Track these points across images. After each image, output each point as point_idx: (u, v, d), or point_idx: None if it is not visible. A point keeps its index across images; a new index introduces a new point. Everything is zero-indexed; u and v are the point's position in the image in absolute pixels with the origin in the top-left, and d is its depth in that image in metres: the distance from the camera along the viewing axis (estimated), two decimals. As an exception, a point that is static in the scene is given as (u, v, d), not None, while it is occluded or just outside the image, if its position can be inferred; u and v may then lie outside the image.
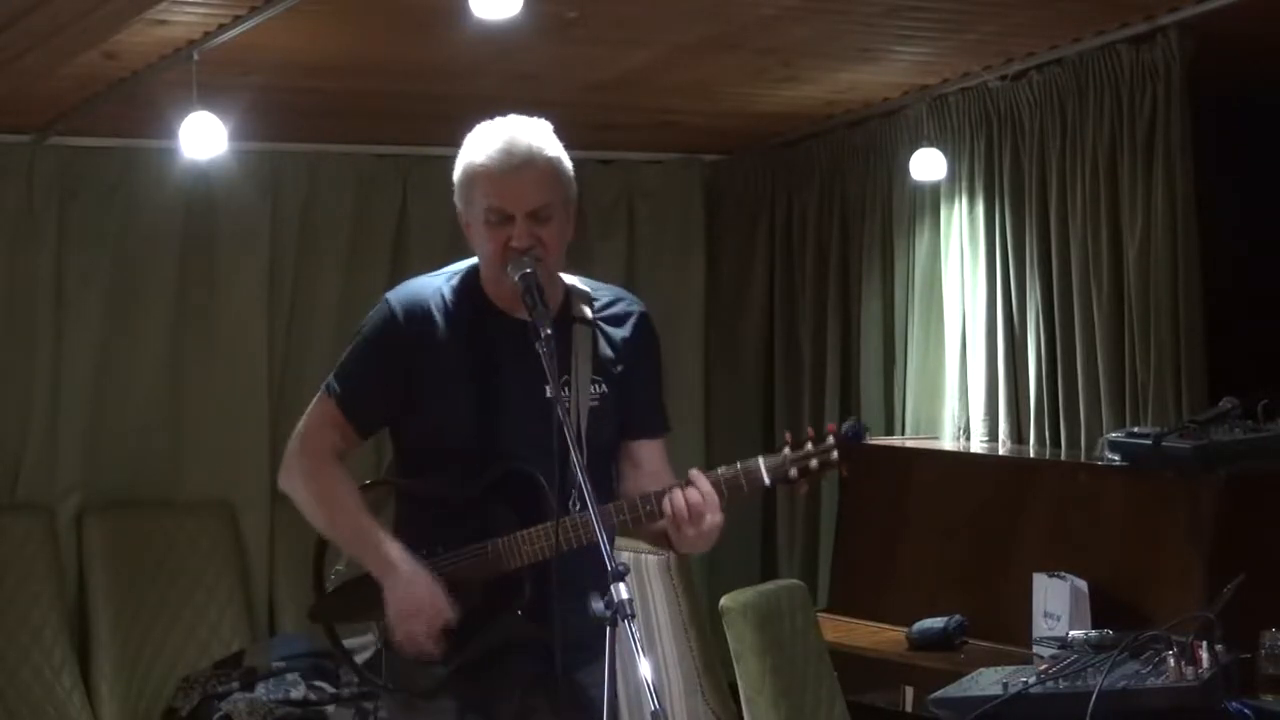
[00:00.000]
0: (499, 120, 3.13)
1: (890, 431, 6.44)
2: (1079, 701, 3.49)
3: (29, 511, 6.14)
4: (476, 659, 3.09)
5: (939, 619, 5.17)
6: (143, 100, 5.49)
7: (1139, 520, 4.95)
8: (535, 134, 3.10)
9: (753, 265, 7.15)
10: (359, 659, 3.25)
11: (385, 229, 6.66)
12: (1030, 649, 4.82)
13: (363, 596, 3.15)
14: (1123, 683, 3.54)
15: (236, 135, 5.51)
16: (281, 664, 5.92)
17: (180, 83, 5.11)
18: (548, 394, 3.04)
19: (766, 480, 3.02)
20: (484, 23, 4.49)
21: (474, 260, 3.19)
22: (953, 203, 6.11)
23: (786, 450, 3.03)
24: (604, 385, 3.14)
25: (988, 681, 3.77)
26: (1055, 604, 4.83)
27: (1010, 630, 5.00)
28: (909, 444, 6.16)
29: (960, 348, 6.08)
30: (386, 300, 3.17)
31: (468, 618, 3.07)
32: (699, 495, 3.00)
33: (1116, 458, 4.96)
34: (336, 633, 3.27)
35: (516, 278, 3.02)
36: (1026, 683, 3.64)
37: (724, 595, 4.44)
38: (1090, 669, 3.64)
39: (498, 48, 5.08)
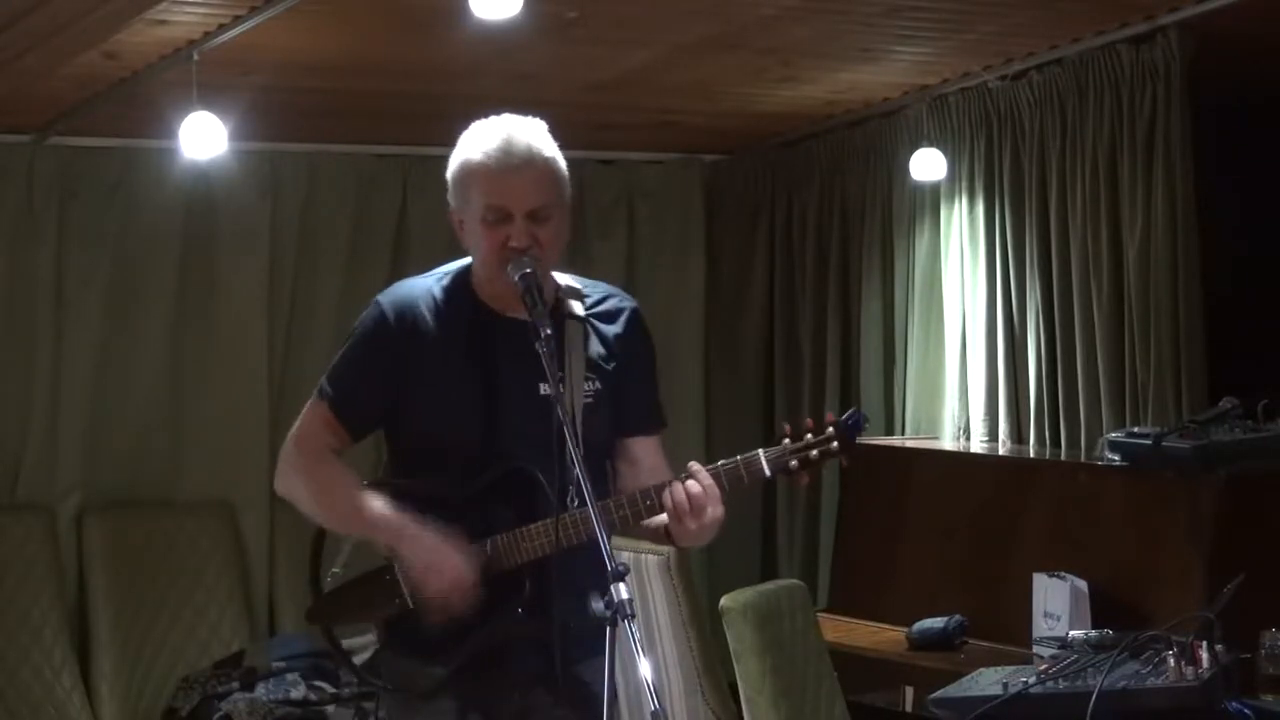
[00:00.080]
0: (495, 119, 3.12)
1: (890, 431, 6.44)
2: (1079, 701, 3.49)
3: (29, 511, 6.14)
4: (476, 658, 3.08)
5: (939, 619, 5.17)
6: (143, 100, 5.49)
7: (1139, 520, 4.95)
8: (533, 133, 3.09)
9: (753, 265, 7.15)
10: (358, 660, 3.24)
11: (385, 229, 6.66)
12: (1030, 649, 4.82)
13: (360, 598, 3.15)
14: (1123, 683, 3.54)
15: (236, 135, 5.51)
16: (281, 664, 5.92)
17: (180, 83, 5.11)
18: (542, 392, 3.04)
19: (767, 471, 3.01)
20: (484, 23, 4.49)
21: (464, 261, 3.18)
22: (953, 203, 6.11)
23: (786, 441, 3.02)
24: (597, 382, 3.14)
25: (988, 681, 3.77)
26: (1055, 604, 4.83)
27: (1010, 630, 5.00)
28: (909, 444, 6.16)
29: (960, 348, 6.08)
30: (377, 302, 3.17)
31: (468, 616, 3.07)
32: (699, 488, 2.99)
33: (1116, 458, 4.96)
34: (334, 634, 3.27)
35: (516, 277, 3.02)
36: (1026, 683, 3.64)
37: (724, 595, 4.44)
38: (1090, 669, 3.64)
39: (498, 48, 5.08)
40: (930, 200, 6.26)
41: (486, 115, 3.15)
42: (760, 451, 3.02)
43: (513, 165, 3.05)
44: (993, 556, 5.30)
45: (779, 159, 7.05)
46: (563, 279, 3.18)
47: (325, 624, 3.26)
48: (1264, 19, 5.09)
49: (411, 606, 3.09)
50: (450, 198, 3.14)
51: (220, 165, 5.94)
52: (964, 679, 3.90)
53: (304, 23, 4.79)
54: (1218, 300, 5.46)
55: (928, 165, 5.99)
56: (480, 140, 3.08)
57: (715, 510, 3.00)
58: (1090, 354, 5.52)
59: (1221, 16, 5.01)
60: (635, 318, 3.24)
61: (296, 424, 3.19)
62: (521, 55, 5.25)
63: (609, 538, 2.88)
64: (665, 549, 4.58)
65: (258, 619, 6.41)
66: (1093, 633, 4.32)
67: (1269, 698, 4.06)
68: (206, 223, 6.42)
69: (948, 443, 6.09)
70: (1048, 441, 5.72)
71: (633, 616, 2.73)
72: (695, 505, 2.99)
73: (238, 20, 4.71)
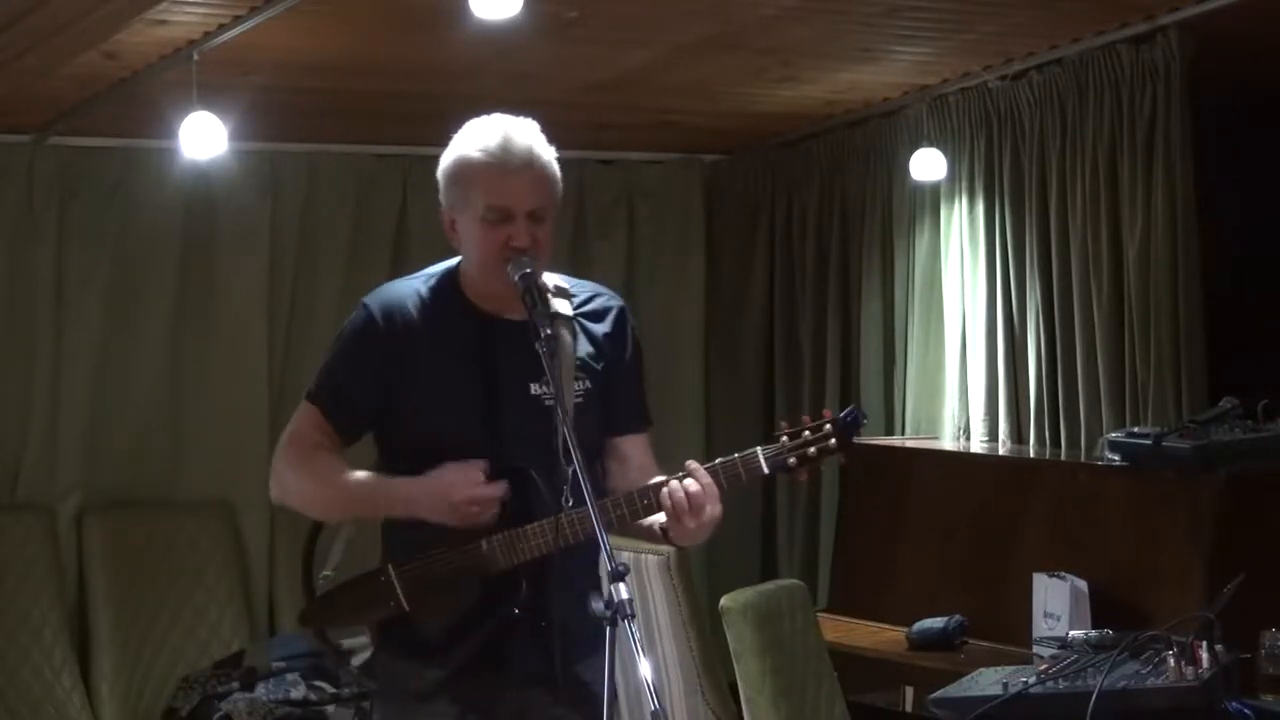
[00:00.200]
0: (489, 118, 3.11)
1: (890, 431, 6.44)
2: (1079, 701, 3.49)
3: (29, 511, 6.14)
4: (473, 659, 3.07)
5: (939, 619, 5.17)
6: (143, 100, 5.50)
7: (1139, 520, 4.95)
8: (531, 134, 3.10)
9: (753, 265, 7.15)
10: (357, 660, 3.24)
11: (385, 229, 6.66)
12: (1030, 649, 4.82)
13: (353, 600, 3.14)
14: (1123, 683, 3.54)
15: (236, 135, 5.51)
16: (281, 664, 5.92)
17: (180, 83, 5.11)
18: (533, 393, 3.05)
19: (765, 469, 3.00)
20: (484, 23, 4.49)
21: (450, 262, 3.18)
22: (953, 203, 6.11)
23: (784, 439, 3.02)
24: (587, 382, 3.13)
25: (988, 681, 3.78)
26: (1055, 604, 4.83)
27: (1010, 630, 5.00)
28: (909, 444, 6.16)
29: (960, 348, 6.08)
30: (364, 304, 3.16)
31: (464, 617, 3.06)
32: (698, 486, 2.99)
33: (1116, 458, 4.96)
34: (329, 637, 3.27)
35: (517, 277, 3.02)
36: (1026, 683, 3.64)
37: (724, 595, 4.44)
38: (1090, 669, 3.64)
39: (498, 48, 5.08)
40: (930, 200, 6.26)
41: (494, 114, 3.15)
42: (758, 449, 3.01)
43: (515, 165, 3.05)
44: (993, 556, 5.30)
45: (779, 159, 7.05)
46: (550, 278, 3.17)
47: (318, 627, 3.26)
48: (1264, 19, 5.09)
49: (406, 609, 3.09)
50: (443, 196, 3.13)
51: (220, 165, 5.94)
52: (964, 679, 3.90)
53: (304, 23, 4.79)
54: (1218, 300, 5.46)
55: (928, 165, 5.99)
56: (478, 139, 3.08)
57: (714, 509, 2.99)
58: (1090, 354, 5.52)
59: (1221, 16, 5.01)
60: (622, 316, 3.24)
61: (287, 429, 3.18)
62: (521, 55, 5.25)
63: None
64: (665, 549, 4.58)
65: (258, 619, 6.41)
66: (1093, 633, 4.32)
67: (1269, 698, 4.06)
68: (206, 223, 6.42)
69: (948, 443, 6.09)
70: (1048, 441, 5.72)
71: (633, 616, 2.73)
72: (694, 504, 2.98)
73: (238, 20, 4.71)
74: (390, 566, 3.10)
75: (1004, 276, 5.90)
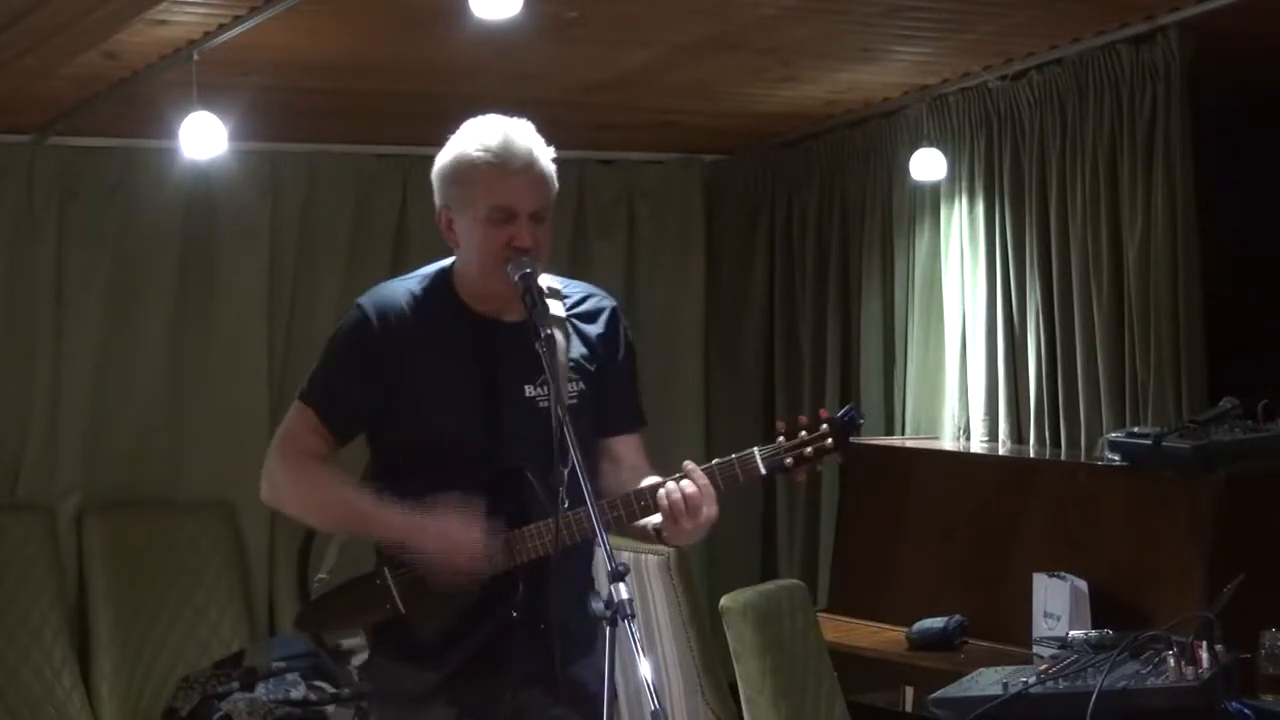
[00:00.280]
0: (487, 118, 3.11)
1: (890, 431, 6.44)
2: (1079, 701, 3.49)
3: (29, 511, 6.14)
4: (470, 662, 3.06)
5: (939, 619, 5.17)
6: (143, 100, 5.50)
7: (1139, 520, 4.95)
8: (531, 135, 3.10)
9: (753, 265, 7.15)
10: (356, 661, 3.24)
11: (385, 229, 6.66)
12: (1030, 649, 4.82)
13: (348, 604, 3.13)
14: (1123, 683, 3.54)
15: (236, 135, 5.51)
16: (281, 664, 5.92)
17: (180, 83, 5.11)
18: (528, 394, 3.05)
19: (762, 470, 3.00)
20: (484, 23, 4.49)
21: (442, 263, 3.17)
22: (953, 203, 6.11)
23: (781, 439, 3.02)
24: (580, 383, 3.13)
25: (988, 681, 3.77)
26: (1055, 604, 4.83)
27: (1010, 630, 5.00)
28: (909, 444, 6.16)
29: (960, 348, 6.08)
30: (359, 305, 3.16)
31: (460, 619, 3.06)
32: (695, 488, 2.99)
33: (1116, 458, 4.96)
34: (324, 640, 3.27)
35: (517, 277, 3.02)
36: (1026, 683, 3.64)
37: (724, 595, 4.44)
38: (1090, 669, 3.64)
39: (498, 48, 5.08)
40: (930, 200, 6.26)
41: (491, 114, 3.15)
42: (755, 450, 3.02)
43: (518, 166, 3.05)
44: (993, 556, 5.30)
45: (779, 159, 7.05)
46: (543, 279, 3.17)
47: (314, 631, 3.26)
48: (1264, 19, 5.09)
49: (403, 612, 3.08)
50: (441, 195, 3.13)
51: (220, 165, 5.94)
52: (964, 679, 3.90)
53: (304, 23, 4.79)
54: (1218, 300, 5.45)
55: (928, 165, 5.99)
56: (479, 139, 3.08)
57: (710, 510, 2.99)
58: (1090, 354, 5.52)
59: (1221, 16, 5.01)
60: (615, 317, 3.23)
61: (279, 431, 3.17)
62: (521, 55, 5.25)
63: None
64: (665, 549, 4.58)
65: (258, 619, 6.41)
66: (1093, 633, 4.32)
67: (1269, 698, 4.06)
68: (206, 223, 6.42)
69: (948, 443, 6.09)
70: (1048, 441, 5.72)
71: (633, 616, 2.73)
72: (690, 505, 2.98)
73: (238, 20, 4.71)
74: (386, 569, 3.09)
75: (1004, 276, 5.90)
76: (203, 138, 5.26)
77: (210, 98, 5.17)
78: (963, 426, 6.07)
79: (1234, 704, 3.61)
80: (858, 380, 6.62)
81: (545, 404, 3.02)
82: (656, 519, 3.02)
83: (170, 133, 5.33)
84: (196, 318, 6.43)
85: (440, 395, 3.09)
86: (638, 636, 2.72)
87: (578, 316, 3.18)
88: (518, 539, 3.02)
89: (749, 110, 6.38)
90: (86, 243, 6.23)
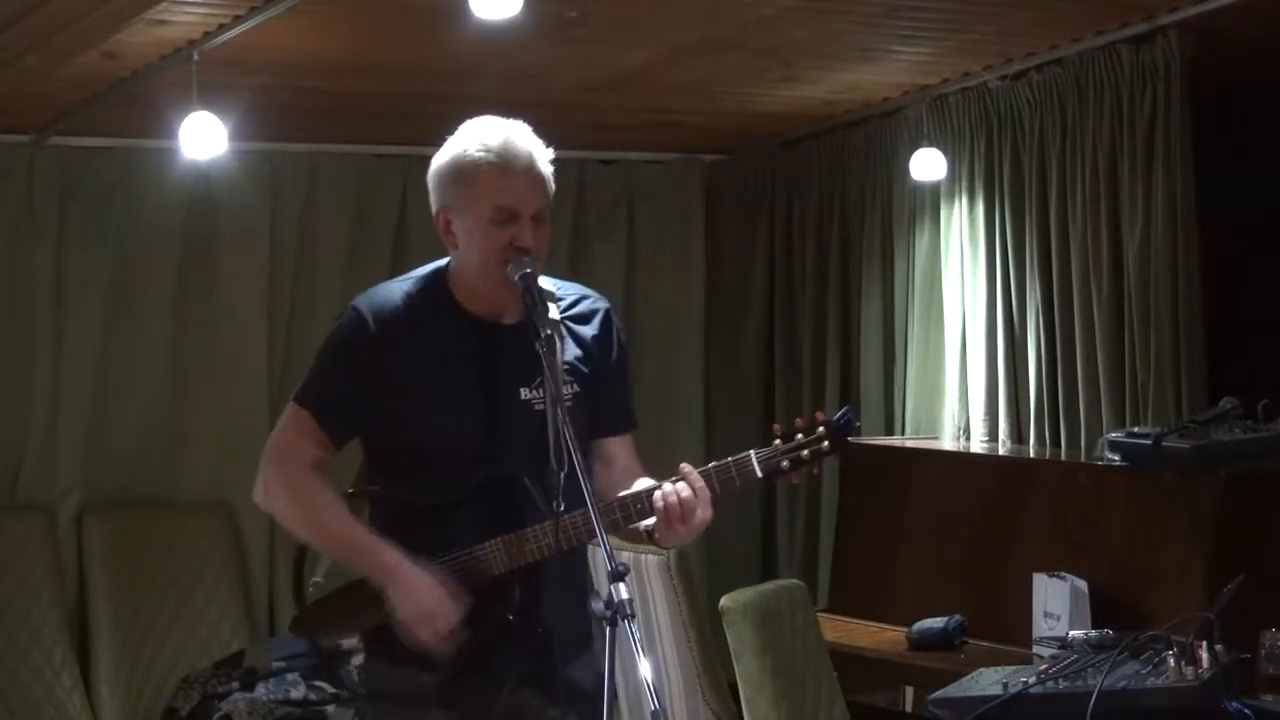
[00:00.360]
0: (485, 120, 3.11)
1: (890, 431, 6.44)
2: (1079, 701, 3.49)
3: (29, 511, 6.14)
4: (465, 665, 3.05)
5: (939, 619, 5.17)
6: (143, 100, 5.49)
7: (1139, 520, 4.94)
8: (530, 137, 3.10)
9: (753, 265, 7.15)
10: (356, 661, 3.23)
11: (385, 229, 6.66)
12: (1030, 649, 4.82)
13: (345, 608, 3.13)
14: (1123, 683, 3.54)
15: (236, 135, 5.51)
16: (281, 664, 5.92)
17: (180, 83, 5.11)
18: (523, 397, 3.05)
19: (758, 472, 3.01)
20: (484, 23, 4.49)
21: (437, 264, 3.17)
22: (953, 203, 6.11)
23: (777, 442, 3.02)
24: (575, 385, 3.12)
25: (988, 681, 3.78)
26: (1055, 604, 4.82)
27: (1010, 630, 5.00)
28: (909, 444, 6.16)
29: (960, 348, 6.08)
30: (354, 307, 3.15)
31: (455, 627, 3.05)
32: (689, 491, 2.99)
33: (1116, 458, 4.95)
34: (320, 644, 3.26)
35: (517, 277, 3.01)
36: (1026, 683, 3.64)
37: (724, 595, 4.44)
38: (1090, 669, 3.64)
39: (498, 48, 5.08)
40: (930, 200, 6.26)
41: (488, 115, 3.15)
42: (751, 453, 3.02)
43: (521, 167, 3.05)
44: (993, 556, 5.30)
45: (779, 159, 7.05)
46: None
47: (310, 634, 3.25)
48: (1264, 19, 5.09)
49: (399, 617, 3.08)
50: (439, 196, 3.12)
51: (220, 165, 5.94)
52: (964, 679, 3.90)
53: (304, 23, 4.79)
54: (1218, 300, 5.45)
55: (928, 165, 5.99)
56: (480, 139, 3.07)
57: (704, 513, 2.99)
58: (1090, 354, 5.52)
59: (1221, 16, 5.01)
60: (609, 318, 3.22)
61: (275, 435, 3.16)
62: (521, 55, 5.25)
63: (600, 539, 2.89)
64: (666, 550, 4.58)
65: (258, 619, 6.41)
66: (1093, 633, 4.32)
67: (1269, 698, 4.07)
68: (206, 223, 6.42)
69: (948, 443, 6.09)
70: (1048, 441, 5.72)
71: (633, 616, 2.73)
72: (685, 509, 2.98)
73: (238, 20, 4.71)
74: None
75: (1004, 276, 5.90)
76: (203, 138, 5.26)
77: (210, 98, 5.17)
78: (963, 426, 6.07)
79: (1234, 704, 3.61)
80: (858, 380, 6.62)
81: (541, 406, 3.02)
82: (650, 521, 3.03)
83: (170, 133, 5.33)
84: (196, 318, 6.43)
85: (437, 397, 3.08)
86: (638, 636, 2.72)
87: (571, 318, 3.17)
88: (516, 542, 3.02)
89: (749, 110, 6.38)
90: (86, 243, 6.23)
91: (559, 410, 2.93)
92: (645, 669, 2.73)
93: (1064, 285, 5.63)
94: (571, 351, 3.14)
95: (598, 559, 2.96)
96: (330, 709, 5.79)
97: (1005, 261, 5.89)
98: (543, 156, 3.09)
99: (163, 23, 4.69)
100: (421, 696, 3.08)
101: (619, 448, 3.21)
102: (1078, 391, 5.57)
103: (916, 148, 6.03)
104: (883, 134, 6.48)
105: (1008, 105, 5.84)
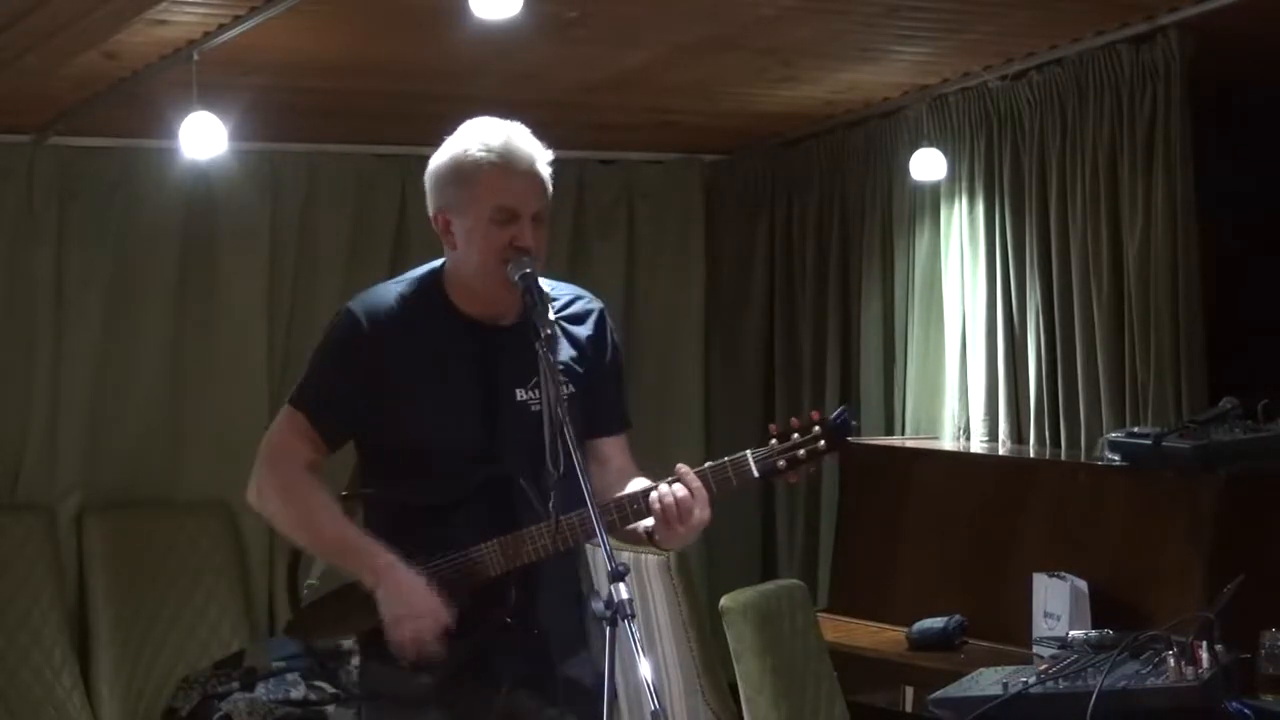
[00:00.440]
0: (484, 120, 3.11)
1: (890, 431, 6.44)
2: (1079, 701, 3.49)
3: (29, 511, 6.14)
4: (462, 666, 3.06)
5: (939, 619, 5.17)
6: (143, 100, 5.50)
7: (1139, 520, 4.94)
8: (529, 138, 3.10)
9: (753, 265, 7.15)
10: (355, 661, 3.23)
11: (385, 229, 6.66)
12: (1030, 649, 4.82)
13: (340, 610, 3.12)
14: (1123, 683, 3.54)
15: (236, 135, 5.51)
16: (281, 664, 5.92)
17: (180, 83, 5.11)
18: (519, 398, 3.05)
19: (755, 472, 3.01)
20: (484, 23, 4.49)
21: (431, 265, 3.17)
22: (953, 203, 6.11)
23: (774, 442, 3.02)
24: (570, 386, 3.12)
25: (988, 681, 3.78)
26: (1055, 604, 4.82)
27: (1010, 630, 5.00)
28: (909, 444, 6.16)
29: (960, 348, 6.08)
30: (348, 308, 3.15)
31: (454, 624, 3.05)
32: (686, 492, 2.99)
33: (1116, 458, 4.95)
34: (315, 646, 3.26)
35: (517, 277, 3.01)
36: (1026, 683, 3.64)
37: (724, 595, 4.44)
38: (1090, 669, 3.64)
39: (498, 48, 5.08)
40: (930, 200, 6.26)
41: (487, 115, 3.15)
42: (748, 453, 3.02)
43: (522, 168, 3.06)
44: (993, 556, 5.30)
45: (779, 159, 7.05)
46: None
47: (305, 637, 3.25)
48: (1264, 19, 5.09)
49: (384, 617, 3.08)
50: (438, 197, 3.12)
51: (220, 165, 5.94)
52: (964, 679, 3.90)
53: (304, 23, 4.79)
54: (1218, 300, 5.45)
55: (928, 165, 5.99)
56: (481, 140, 3.07)
57: (702, 514, 2.99)
58: (1090, 354, 5.52)
59: (1221, 16, 5.01)
60: (603, 319, 3.22)
61: (270, 436, 3.15)
62: (521, 55, 5.25)
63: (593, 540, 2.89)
64: (666, 550, 4.57)
65: (258, 619, 6.41)
66: (1093, 633, 4.32)
67: (1269, 698, 4.06)
68: (206, 223, 6.42)
69: (948, 443, 6.09)
70: (1048, 441, 5.72)
71: (633, 616, 2.73)
72: (683, 509, 2.99)
73: (238, 20, 4.71)
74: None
75: (1004, 276, 5.90)
76: (203, 138, 5.26)
77: (210, 98, 5.17)
78: (963, 426, 6.07)
79: (1234, 704, 3.61)
80: (858, 380, 6.62)
81: (536, 407, 3.03)
82: (649, 522, 3.03)
83: (170, 133, 5.33)
84: (196, 318, 6.43)
85: (435, 398, 3.08)
86: (638, 636, 2.72)
87: (566, 319, 3.17)
88: (513, 543, 3.02)
89: (749, 110, 6.38)
90: (86, 243, 6.23)
91: (559, 410, 2.93)
92: (645, 669, 2.73)
93: (1064, 285, 5.63)
94: (566, 352, 3.14)
95: (598, 559, 2.96)
96: (330, 709, 5.79)
97: (1005, 261, 5.89)
98: (543, 158, 3.09)
99: (163, 23, 4.69)
100: (419, 697, 3.07)
101: (613, 448, 3.21)
102: (1078, 391, 5.57)
103: (916, 148, 6.03)
104: (883, 134, 6.48)
105: (1008, 105, 5.84)
